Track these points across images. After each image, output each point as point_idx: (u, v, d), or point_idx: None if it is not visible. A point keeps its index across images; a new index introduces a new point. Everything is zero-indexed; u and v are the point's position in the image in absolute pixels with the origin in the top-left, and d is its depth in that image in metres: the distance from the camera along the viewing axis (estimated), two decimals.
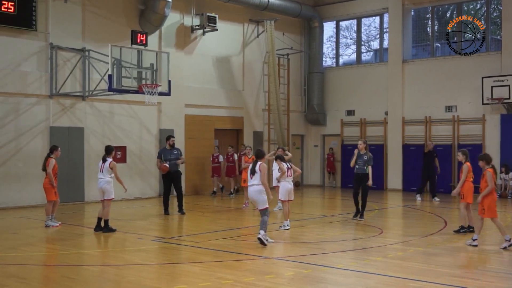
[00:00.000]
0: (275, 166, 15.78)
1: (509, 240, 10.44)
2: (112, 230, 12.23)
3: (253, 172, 10.74)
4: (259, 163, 10.81)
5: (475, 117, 21.23)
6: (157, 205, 17.74)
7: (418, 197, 19.30)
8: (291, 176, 12.97)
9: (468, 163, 12.08)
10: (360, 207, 14.20)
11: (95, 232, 12.21)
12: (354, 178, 14.37)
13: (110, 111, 18.64)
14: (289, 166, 13.00)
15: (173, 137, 16.36)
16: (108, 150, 12.60)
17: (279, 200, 13.31)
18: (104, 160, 12.41)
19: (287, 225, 12.62)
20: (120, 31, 18.55)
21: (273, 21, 22.65)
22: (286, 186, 12.86)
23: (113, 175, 12.38)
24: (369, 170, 13.98)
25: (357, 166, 14.08)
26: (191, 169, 20.61)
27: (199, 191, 20.87)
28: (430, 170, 19.25)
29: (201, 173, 20.90)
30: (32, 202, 16.61)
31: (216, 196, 20.20)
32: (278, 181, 13.28)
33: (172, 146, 15.90)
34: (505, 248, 10.36)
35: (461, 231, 12.04)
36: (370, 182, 14.07)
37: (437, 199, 18.91)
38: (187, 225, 14.36)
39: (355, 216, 14.24)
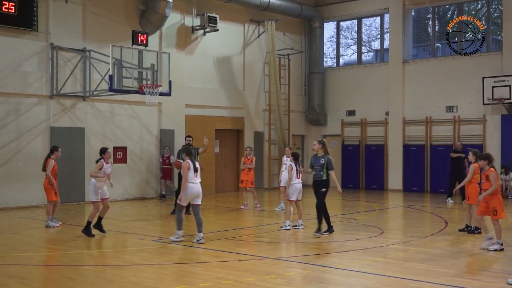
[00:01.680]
0: (283, 167, 15.80)
1: (501, 244, 10.23)
2: (90, 235, 11.62)
3: (197, 169, 11.05)
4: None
5: (476, 117, 21.22)
6: (157, 206, 17.76)
7: (450, 201, 18.30)
8: (299, 178, 12.93)
9: (476, 164, 12.05)
10: (321, 218, 11.88)
11: (100, 233, 12.00)
12: (312, 186, 12.36)
13: (111, 112, 18.65)
14: (299, 168, 12.95)
15: (190, 136, 16.18)
16: (100, 151, 12.14)
17: (288, 200, 13.03)
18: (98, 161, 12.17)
19: (288, 225, 12.62)
20: (120, 31, 18.56)
21: (273, 21, 22.65)
22: (296, 186, 12.81)
23: (101, 174, 11.80)
24: (333, 175, 11.89)
25: (314, 172, 12.10)
26: None
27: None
28: (459, 172, 18.18)
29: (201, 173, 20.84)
30: (33, 202, 16.61)
31: (163, 200, 18.80)
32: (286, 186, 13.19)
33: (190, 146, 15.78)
34: (487, 249, 10.21)
35: (476, 232, 12.03)
36: (339, 189, 12.07)
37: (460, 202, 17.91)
38: (187, 225, 14.33)
39: (318, 231, 11.75)
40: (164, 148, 19.40)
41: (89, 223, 11.75)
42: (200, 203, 11.12)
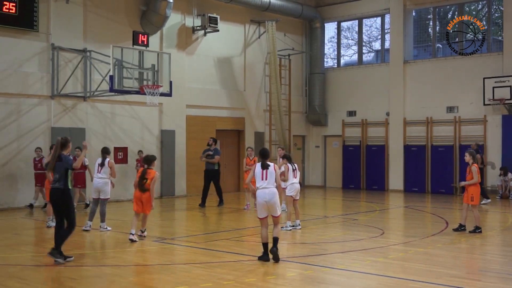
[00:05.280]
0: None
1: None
2: (266, 259, 9.22)
3: (102, 165, 12.44)
4: (108, 159, 12.45)
5: (477, 117, 21.21)
6: (158, 206, 17.75)
7: (485, 201, 17.75)
8: (296, 177, 12.91)
9: (476, 164, 12.24)
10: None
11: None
12: None
13: (112, 112, 18.65)
14: (295, 168, 12.93)
15: (211, 138, 17.77)
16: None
17: (288, 198, 12.96)
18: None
19: (289, 226, 12.61)
20: (121, 32, 18.57)
21: (274, 21, 22.65)
22: (294, 186, 12.79)
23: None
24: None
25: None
26: (192, 170, 20.59)
27: (201, 191, 20.80)
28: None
29: (202, 173, 20.77)
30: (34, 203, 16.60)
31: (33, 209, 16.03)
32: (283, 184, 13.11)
33: (209, 145, 17.42)
34: None
35: (477, 231, 12.11)
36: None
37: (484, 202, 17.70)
38: (188, 225, 14.37)
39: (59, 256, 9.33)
40: (35, 150, 16.17)
41: (264, 246, 9.34)
42: (104, 197, 12.40)
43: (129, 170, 18.88)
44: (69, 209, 9.29)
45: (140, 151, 18.38)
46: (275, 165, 9.66)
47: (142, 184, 11.25)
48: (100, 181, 12.43)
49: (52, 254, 9.17)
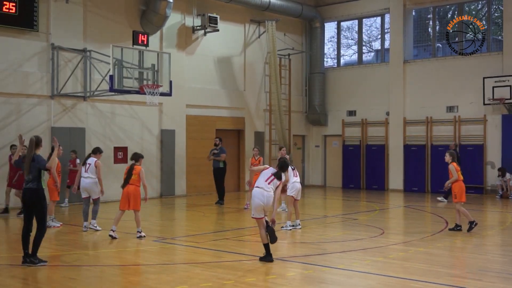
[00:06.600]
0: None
1: (140, 232, 11.60)
2: (270, 260, 9.32)
3: (84, 164, 12.63)
4: (94, 159, 12.50)
5: (477, 117, 21.21)
6: (158, 206, 17.77)
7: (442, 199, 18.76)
8: (297, 176, 12.92)
9: (454, 163, 12.58)
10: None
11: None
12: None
13: (112, 112, 18.65)
14: (293, 167, 12.95)
15: (217, 138, 18.38)
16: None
17: (289, 197, 12.96)
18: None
19: (289, 225, 12.61)
20: (121, 32, 18.56)
21: (274, 21, 22.65)
22: (295, 185, 12.81)
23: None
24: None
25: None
26: (192, 170, 20.60)
27: (201, 191, 20.84)
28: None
29: (202, 173, 20.84)
30: None
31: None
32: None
33: (216, 145, 17.93)
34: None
35: (473, 226, 12.26)
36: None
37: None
38: (188, 225, 14.38)
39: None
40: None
41: (266, 246, 9.37)
42: (94, 197, 12.45)
43: None
44: (42, 211, 9.10)
45: (72, 151, 16.82)
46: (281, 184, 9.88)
47: (128, 178, 11.57)
48: (86, 181, 12.49)
49: (31, 262, 8.99)
